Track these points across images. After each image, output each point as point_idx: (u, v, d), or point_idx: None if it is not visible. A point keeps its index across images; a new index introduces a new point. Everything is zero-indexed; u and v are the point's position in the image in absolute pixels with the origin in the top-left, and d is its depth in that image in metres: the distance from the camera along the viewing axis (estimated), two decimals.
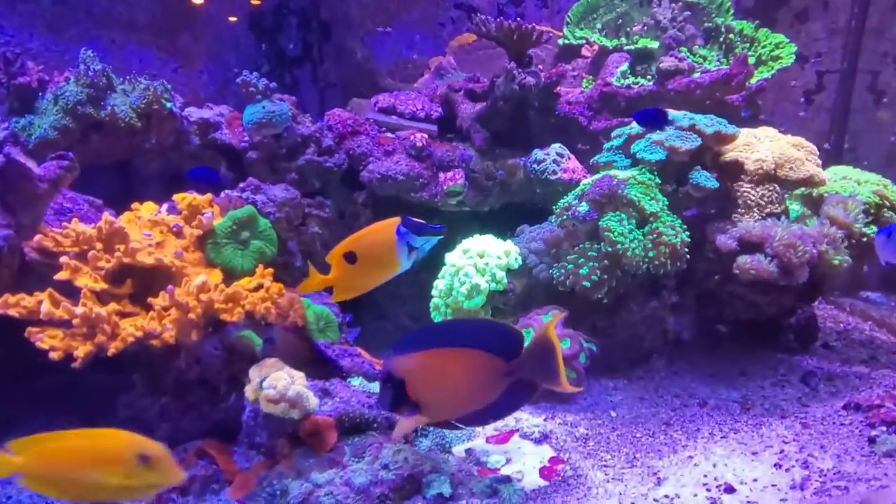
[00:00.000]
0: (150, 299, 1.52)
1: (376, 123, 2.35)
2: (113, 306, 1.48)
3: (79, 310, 1.40)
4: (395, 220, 1.47)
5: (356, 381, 1.84)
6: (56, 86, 1.94)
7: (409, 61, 3.11)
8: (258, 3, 2.58)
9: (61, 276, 1.51)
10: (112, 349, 1.46)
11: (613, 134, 2.13)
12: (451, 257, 2.05)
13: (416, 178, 2.14)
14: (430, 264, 2.19)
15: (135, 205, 1.95)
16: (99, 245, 1.61)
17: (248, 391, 1.67)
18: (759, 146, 2.06)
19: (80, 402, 2.06)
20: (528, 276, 2.14)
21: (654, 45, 2.67)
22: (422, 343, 1.34)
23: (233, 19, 2.62)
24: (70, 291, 1.61)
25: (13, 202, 1.53)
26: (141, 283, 1.68)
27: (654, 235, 1.86)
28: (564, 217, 1.97)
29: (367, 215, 2.49)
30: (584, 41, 2.79)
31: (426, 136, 2.20)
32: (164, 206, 1.95)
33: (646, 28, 2.60)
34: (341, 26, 2.94)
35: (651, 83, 2.41)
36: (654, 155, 1.91)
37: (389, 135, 2.33)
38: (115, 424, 1.84)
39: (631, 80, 2.48)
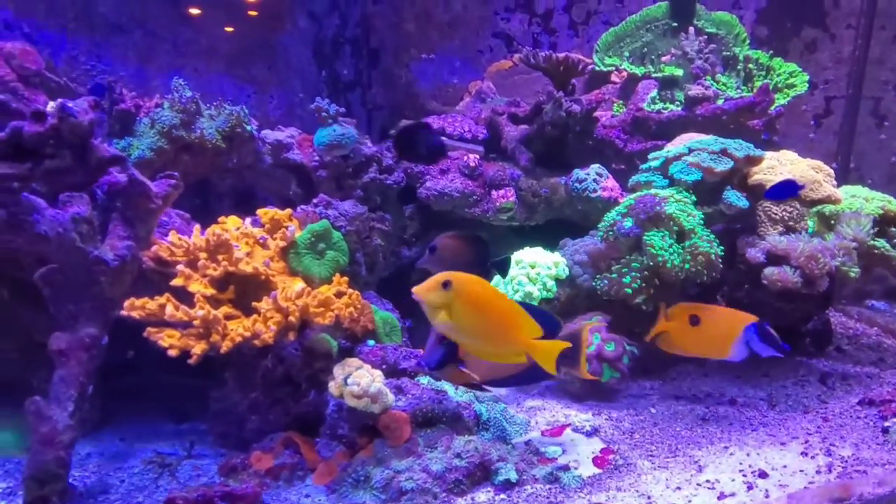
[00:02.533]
0: (254, 304, 1.67)
1: None
2: (224, 309, 1.63)
3: (199, 312, 1.54)
4: (751, 318, 1.70)
5: (424, 381, 1.98)
6: (151, 111, 2.10)
7: (451, 85, 3.27)
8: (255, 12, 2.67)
9: (177, 282, 1.66)
10: (223, 348, 1.61)
11: (651, 156, 2.29)
12: None
13: (469, 195, 2.30)
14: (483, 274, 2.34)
15: (221, 219, 2.10)
16: (204, 255, 1.77)
17: (333, 387, 1.81)
18: (782, 169, 2.22)
19: (154, 397, 2.20)
20: (570, 286, 2.29)
21: (679, 72, 2.83)
22: None
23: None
24: (177, 296, 1.76)
25: (132, 217, 1.68)
26: (237, 288, 1.84)
27: (692, 248, 2.02)
28: (609, 232, 2.13)
29: (413, 227, 2.65)
30: (613, 68, 2.96)
31: (477, 156, 2.37)
32: (248, 220, 2.10)
33: (673, 58, 2.77)
34: (388, 53, 3.11)
35: (680, 109, 2.57)
36: (691, 176, 2.07)
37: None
38: (206, 417, 2.01)
39: (660, 105, 2.65)
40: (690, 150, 2.14)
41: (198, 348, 1.59)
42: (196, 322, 1.56)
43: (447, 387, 1.99)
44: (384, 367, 1.94)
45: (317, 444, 1.86)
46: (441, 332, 1.46)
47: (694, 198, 2.14)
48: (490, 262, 1.72)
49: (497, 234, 2.45)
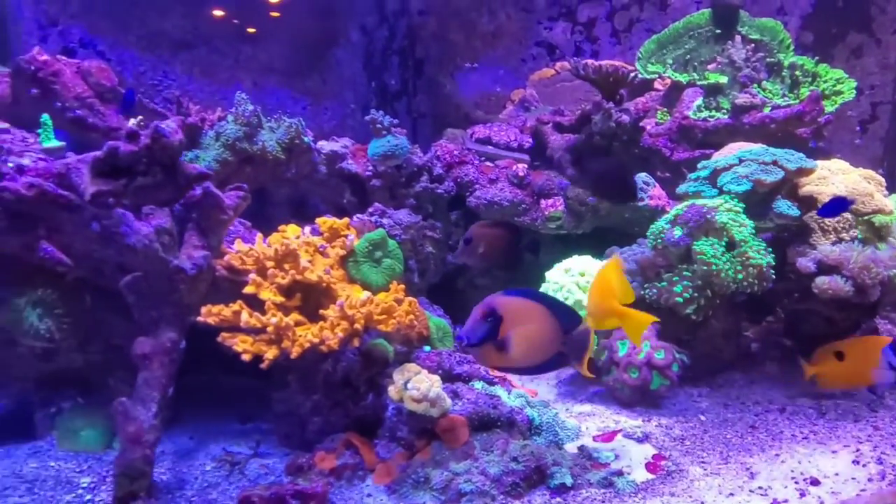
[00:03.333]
0: (321, 311, 1.74)
1: (477, 153, 2.57)
2: (294, 316, 1.71)
3: (272, 319, 1.62)
4: (884, 340, 1.91)
5: (478, 385, 2.03)
6: (215, 124, 2.19)
7: (493, 94, 3.32)
8: (277, 14, 2.72)
9: (248, 290, 1.74)
10: (294, 353, 1.68)
11: (699, 165, 2.30)
12: (552, 275, 2.24)
13: (518, 204, 2.34)
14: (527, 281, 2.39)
15: (281, 227, 2.18)
16: (271, 263, 1.85)
17: (392, 391, 1.88)
18: (833, 179, 2.22)
19: (217, 398, 2.30)
20: None
21: (724, 79, 2.83)
22: (522, 294, 1.58)
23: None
24: (248, 303, 1.83)
25: (206, 227, 1.77)
26: (301, 295, 1.91)
27: (743, 258, 2.03)
28: (658, 241, 2.16)
29: (459, 234, 2.70)
30: (656, 76, 2.97)
31: (525, 165, 2.41)
32: (307, 228, 2.17)
33: (720, 66, 2.78)
34: (433, 63, 3.17)
35: (726, 117, 2.58)
36: (741, 186, 2.08)
37: (489, 163, 2.54)
38: (268, 417, 2.09)
39: (706, 113, 2.66)
40: (740, 161, 2.15)
41: (270, 353, 1.66)
42: (269, 328, 1.64)
43: (500, 392, 2.04)
44: (440, 371, 1.99)
45: (375, 446, 1.92)
46: (488, 310, 1.52)
47: (743, 206, 2.15)
48: (521, 246, 1.81)
49: (545, 242, 2.49)
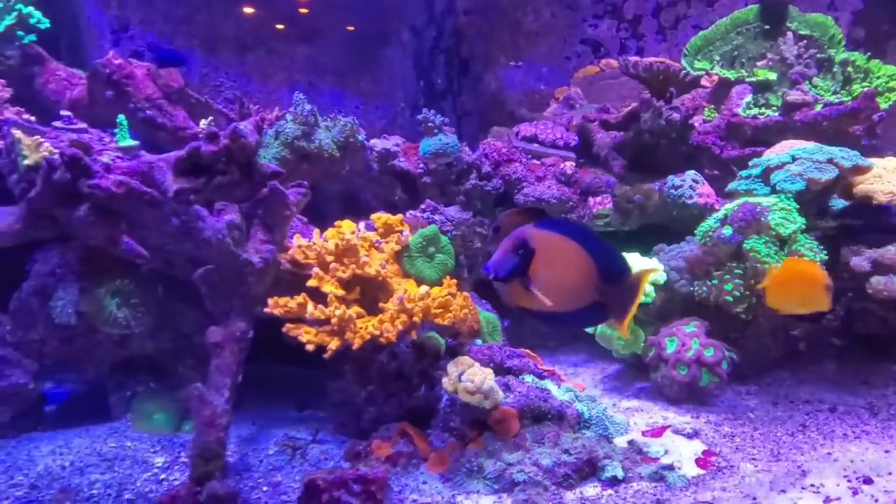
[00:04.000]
0: (381, 304, 1.81)
1: (524, 151, 2.61)
2: (355, 309, 1.78)
3: (337, 312, 1.69)
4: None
5: (529, 379, 2.08)
6: (273, 123, 2.27)
7: (537, 91, 3.35)
8: (332, 16, 2.74)
9: (312, 283, 1.82)
10: (355, 345, 1.75)
11: (751, 163, 2.30)
12: None
13: (566, 202, 2.37)
14: None
15: (337, 223, 2.25)
16: (332, 258, 1.92)
17: (446, 383, 1.93)
18: (889, 177, 2.19)
19: (274, 385, 2.39)
20: (666, 290, 2.33)
21: (773, 76, 2.80)
22: (558, 228, 1.36)
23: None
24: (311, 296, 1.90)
25: (271, 223, 1.85)
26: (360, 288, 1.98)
27: (796, 256, 2.03)
28: (707, 238, 2.16)
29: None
30: (703, 72, 2.96)
31: (573, 163, 2.44)
32: (362, 224, 2.24)
33: (770, 62, 2.75)
34: (478, 61, 3.21)
35: (777, 114, 2.56)
36: (795, 185, 2.07)
37: (536, 161, 2.57)
38: (323, 405, 2.18)
39: (756, 110, 2.64)
40: (794, 159, 2.14)
41: (333, 344, 1.73)
42: (333, 320, 1.71)
43: (550, 385, 2.08)
44: (491, 365, 2.04)
45: (429, 436, 1.98)
46: (519, 241, 1.33)
47: (796, 205, 2.14)
48: None
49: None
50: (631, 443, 1.92)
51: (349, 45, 2.84)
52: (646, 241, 2.44)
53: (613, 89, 3.12)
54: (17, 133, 1.66)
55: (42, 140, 1.68)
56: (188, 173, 1.47)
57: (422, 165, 2.43)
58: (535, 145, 2.70)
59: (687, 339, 2.14)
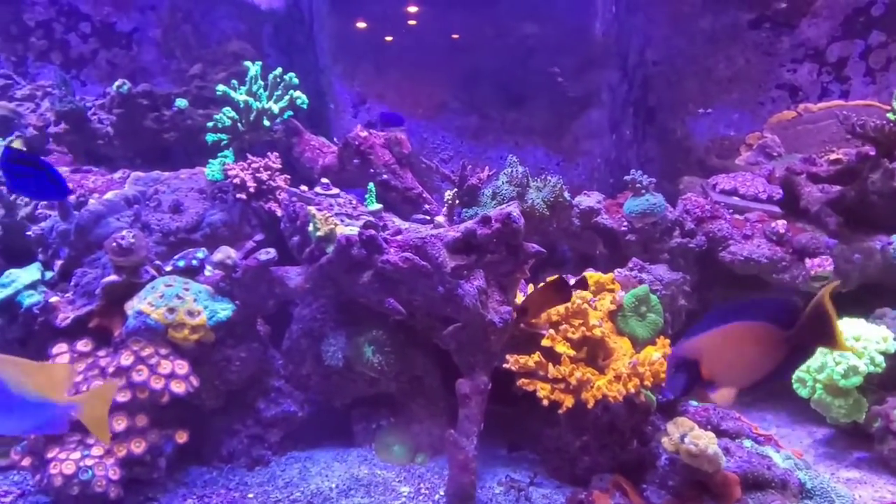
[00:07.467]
0: (612, 366, 1.92)
1: (724, 205, 2.60)
2: (590, 370, 1.90)
3: (577, 374, 1.83)
4: None
5: (748, 444, 2.07)
6: (490, 182, 2.48)
7: (726, 138, 3.30)
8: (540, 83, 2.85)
9: (546, 342, 1.97)
10: (590, 404, 1.88)
11: None
12: None
13: (778, 262, 2.33)
14: None
15: (549, 279, 2.41)
16: (559, 318, 2.06)
17: (667, 443, 1.99)
18: None
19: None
20: (892, 358, 2.21)
21: None
22: (705, 326, 1.37)
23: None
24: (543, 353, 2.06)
25: (506, 284, 2.03)
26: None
27: None
28: None
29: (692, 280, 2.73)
30: None
31: (785, 222, 2.39)
32: (572, 281, 2.37)
33: None
34: (665, 109, 3.23)
35: None
36: None
37: (739, 217, 2.55)
38: (537, 449, 2.32)
39: None
40: None
41: (568, 402, 1.87)
42: (571, 380, 1.85)
43: (771, 452, 2.06)
44: (709, 426, 2.07)
45: (644, 490, 2.05)
46: (677, 360, 1.38)
47: None
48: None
49: (805, 300, 2.42)
50: None
51: (555, 108, 3.01)
52: (863, 302, 2.32)
53: (811, 134, 2.99)
54: (312, 209, 1.98)
55: (329, 215, 2.00)
56: (461, 251, 1.68)
57: (626, 223, 2.51)
58: (736, 198, 2.67)
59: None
